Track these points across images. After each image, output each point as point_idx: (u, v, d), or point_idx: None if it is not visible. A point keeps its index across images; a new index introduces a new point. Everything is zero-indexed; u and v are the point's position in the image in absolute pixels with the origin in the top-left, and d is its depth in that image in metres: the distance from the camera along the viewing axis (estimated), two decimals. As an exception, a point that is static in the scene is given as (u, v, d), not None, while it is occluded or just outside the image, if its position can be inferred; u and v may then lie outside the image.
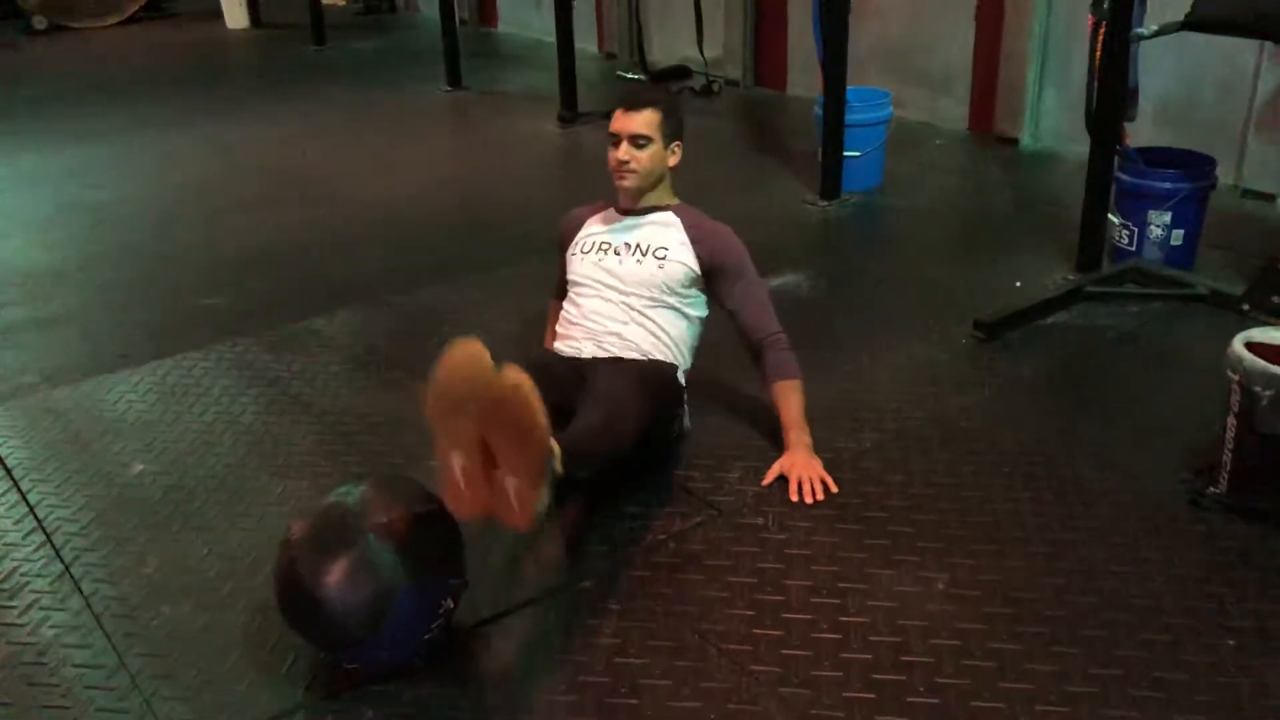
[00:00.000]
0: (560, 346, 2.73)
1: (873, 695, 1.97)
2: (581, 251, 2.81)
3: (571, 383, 2.49)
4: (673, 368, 2.69)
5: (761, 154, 5.36)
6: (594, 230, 2.83)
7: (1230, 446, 2.40)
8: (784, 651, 2.08)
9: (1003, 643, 2.08)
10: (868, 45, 5.73)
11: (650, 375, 2.59)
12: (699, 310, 2.77)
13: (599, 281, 2.72)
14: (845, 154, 4.51)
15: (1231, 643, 2.06)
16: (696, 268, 2.70)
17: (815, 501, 2.52)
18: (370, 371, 3.27)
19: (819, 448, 2.65)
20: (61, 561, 2.41)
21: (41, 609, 2.26)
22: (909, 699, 1.96)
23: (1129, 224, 3.72)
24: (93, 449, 2.89)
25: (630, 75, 6.85)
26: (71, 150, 5.93)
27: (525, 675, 2.06)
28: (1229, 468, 2.42)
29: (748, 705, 1.96)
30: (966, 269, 3.91)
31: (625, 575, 2.32)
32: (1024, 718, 1.91)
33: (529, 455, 1.89)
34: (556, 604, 2.24)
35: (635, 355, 2.63)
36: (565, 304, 2.81)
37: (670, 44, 6.98)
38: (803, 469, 2.59)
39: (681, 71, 6.71)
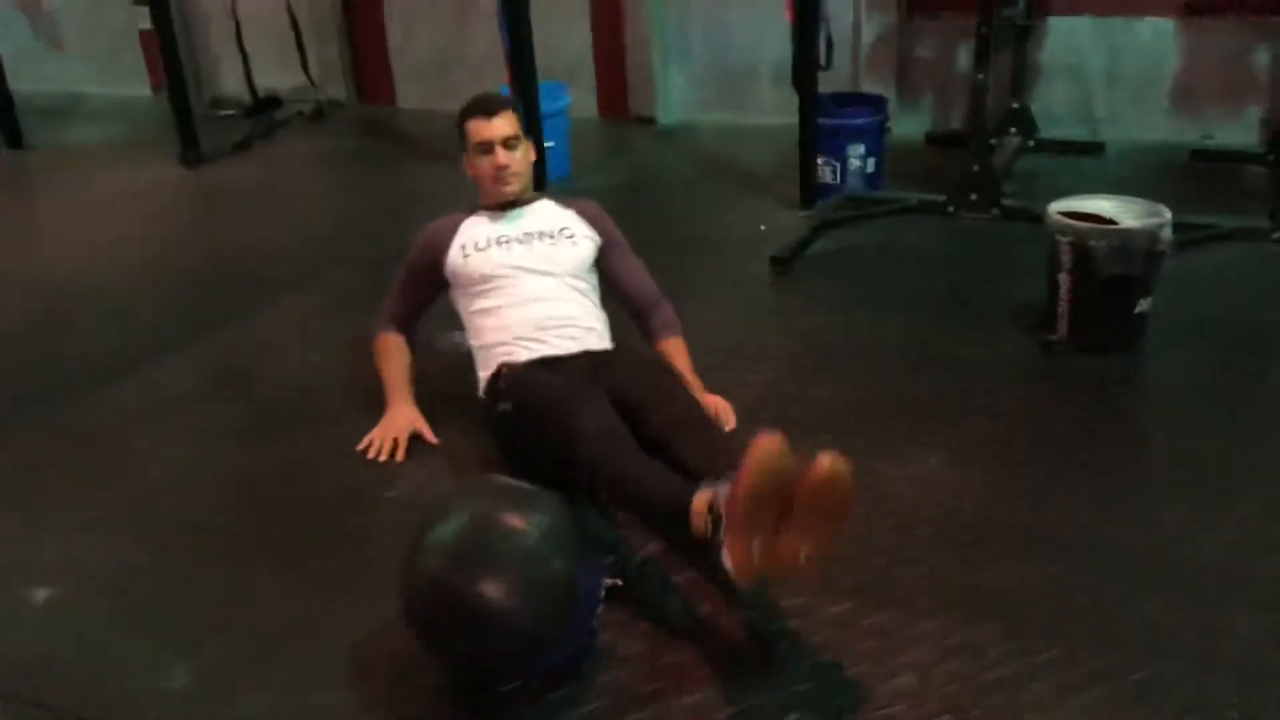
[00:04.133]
0: (520, 351, 2.54)
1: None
2: (476, 249, 2.66)
3: (601, 376, 2.44)
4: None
5: (429, 164, 5.30)
6: (479, 230, 2.70)
7: (1067, 296, 2.95)
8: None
9: (1034, 491, 2.45)
10: (479, 51, 5.88)
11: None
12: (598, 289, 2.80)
13: (524, 268, 2.63)
14: (545, 144, 4.66)
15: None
16: (599, 240, 2.75)
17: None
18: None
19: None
20: None
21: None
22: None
23: (831, 160, 4.29)
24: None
25: (224, 112, 6.40)
26: None
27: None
28: (1067, 315, 2.98)
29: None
30: (706, 226, 4.25)
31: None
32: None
33: (836, 531, 1.85)
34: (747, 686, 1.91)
35: (604, 343, 2.64)
36: (482, 305, 2.63)
37: (238, 72, 6.50)
38: (714, 400, 2.66)
39: (276, 101, 6.41)
